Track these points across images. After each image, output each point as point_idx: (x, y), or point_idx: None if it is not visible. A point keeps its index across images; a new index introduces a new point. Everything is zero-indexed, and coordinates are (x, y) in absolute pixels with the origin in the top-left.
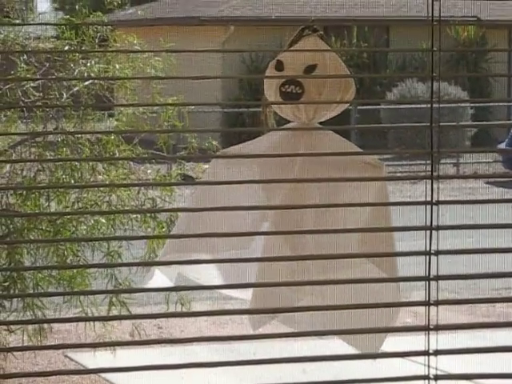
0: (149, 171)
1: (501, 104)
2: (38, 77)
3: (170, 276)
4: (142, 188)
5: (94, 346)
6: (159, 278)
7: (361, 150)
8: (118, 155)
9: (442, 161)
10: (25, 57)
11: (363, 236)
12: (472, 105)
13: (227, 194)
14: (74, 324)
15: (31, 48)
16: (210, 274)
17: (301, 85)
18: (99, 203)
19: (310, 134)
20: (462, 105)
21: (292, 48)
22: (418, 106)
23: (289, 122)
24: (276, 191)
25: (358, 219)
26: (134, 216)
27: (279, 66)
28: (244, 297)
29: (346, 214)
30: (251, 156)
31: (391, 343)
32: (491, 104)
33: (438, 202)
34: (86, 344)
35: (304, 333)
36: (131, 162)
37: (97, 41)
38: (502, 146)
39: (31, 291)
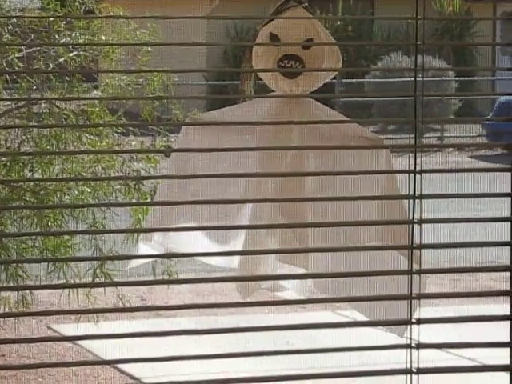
0: (133, 143)
1: (485, 78)
2: (23, 48)
3: (157, 250)
4: (127, 160)
5: (78, 312)
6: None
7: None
8: (102, 128)
9: (427, 135)
10: (10, 27)
11: (380, 206)
12: (456, 79)
13: (211, 164)
14: (57, 296)
15: (16, 19)
16: (192, 247)
17: (301, 60)
18: (84, 174)
19: (304, 106)
20: (447, 78)
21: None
22: (403, 79)
23: (271, 91)
24: (274, 164)
25: (370, 192)
26: (118, 187)
27: (274, 40)
28: (228, 266)
29: (348, 185)
30: (243, 123)
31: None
32: (476, 78)
33: (422, 171)
34: (70, 311)
35: (291, 301)
36: (116, 134)
37: (82, 12)
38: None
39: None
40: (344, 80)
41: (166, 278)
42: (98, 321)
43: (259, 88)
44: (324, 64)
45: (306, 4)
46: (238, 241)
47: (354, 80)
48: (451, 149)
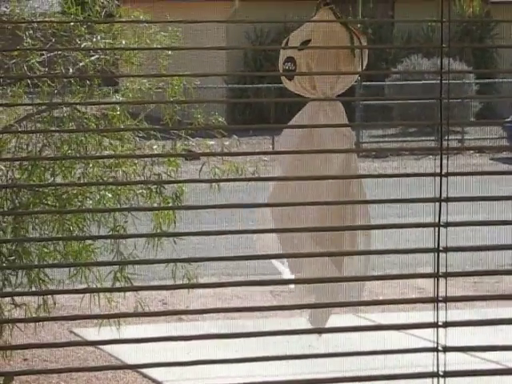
0: (154, 147)
1: (506, 80)
2: (45, 52)
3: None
4: (148, 164)
5: (101, 317)
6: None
7: (347, 124)
8: (123, 132)
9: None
10: (31, 32)
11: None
12: (477, 81)
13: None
14: (79, 300)
15: (37, 24)
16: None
17: (294, 61)
18: (105, 178)
19: (321, 108)
20: (470, 81)
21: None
22: (423, 82)
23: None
24: (284, 160)
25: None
26: (140, 191)
27: (286, 44)
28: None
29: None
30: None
31: (398, 319)
32: (496, 80)
33: (448, 174)
34: (93, 315)
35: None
36: (137, 138)
37: (103, 16)
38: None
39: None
40: (364, 83)
41: (187, 281)
42: (120, 325)
43: None
44: (314, 63)
45: (332, 6)
46: None
47: (375, 83)
48: (472, 151)
